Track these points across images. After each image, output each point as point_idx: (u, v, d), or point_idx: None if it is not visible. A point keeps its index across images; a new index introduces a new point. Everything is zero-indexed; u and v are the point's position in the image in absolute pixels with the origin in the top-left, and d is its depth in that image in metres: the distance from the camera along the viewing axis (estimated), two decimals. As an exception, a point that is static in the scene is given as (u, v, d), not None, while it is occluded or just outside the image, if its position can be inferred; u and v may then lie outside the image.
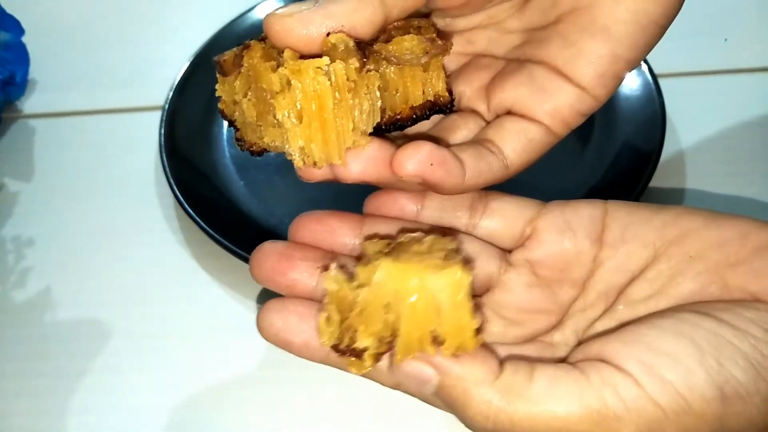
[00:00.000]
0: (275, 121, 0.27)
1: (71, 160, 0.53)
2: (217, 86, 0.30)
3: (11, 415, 0.41)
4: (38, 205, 0.51)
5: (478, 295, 0.31)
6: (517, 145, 0.31)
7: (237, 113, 0.30)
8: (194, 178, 0.49)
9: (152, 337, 0.44)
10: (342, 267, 0.29)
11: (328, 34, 0.27)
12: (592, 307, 0.30)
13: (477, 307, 0.30)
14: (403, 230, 0.31)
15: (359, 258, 0.30)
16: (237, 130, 0.31)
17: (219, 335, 0.44)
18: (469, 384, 0.26)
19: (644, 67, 0.50)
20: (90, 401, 0.42)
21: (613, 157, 0.48)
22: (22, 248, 0.48)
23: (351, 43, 0.27)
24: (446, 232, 0.31)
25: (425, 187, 0.30)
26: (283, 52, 0.27)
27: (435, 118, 0.33)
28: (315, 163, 0.28)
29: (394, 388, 0.28)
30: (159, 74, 0.56)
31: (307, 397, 0.41)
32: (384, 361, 0.27)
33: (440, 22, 0.34)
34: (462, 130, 0.33)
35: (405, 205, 0.32)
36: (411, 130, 0.32)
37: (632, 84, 0.50)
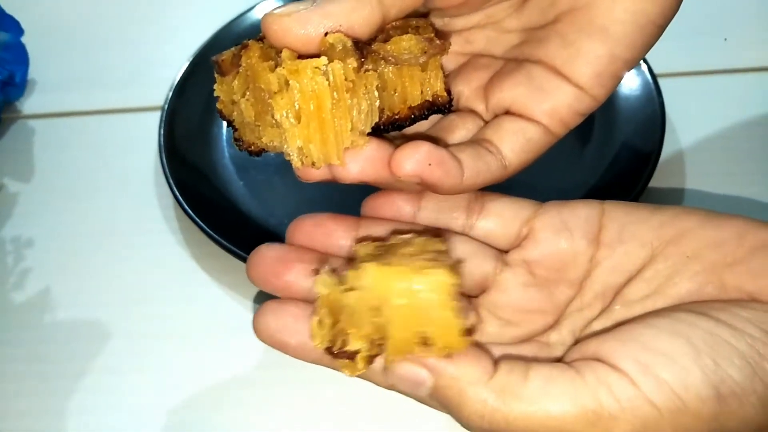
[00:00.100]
0: (273, 121, 0.27)
1: (71, 161, 0.53)
2: (215, 86, 0.30)
3: (11, 416, 0.41)
4: (38, 205, 0.51)
5: (473, 296, 0.31)
6: (515, 144, 0.31)
7: (235, 113, 0.30)
8: (194, 179, 0.49)
9: (152, 337, 0.44)
10: (334, 270, 0.29)
11: (326, 34, 0.27)
12: (589, 307, 0.30)
13: (467, 309, 0.30)
14: (395, 232, 0.31)
15: (351, 260, 0.30)
16: (235, 130, 0.31)
17: (218, 335, 0.44)
18: (464, 384, 0.26)
19: (644, 66, 0.50)
20: (90, 402, 0.42)
21: (612, 157, 0.48)
22: (22, 249, 0.48)
23: (349, 43, 0.27)
24: (438, 233, 0.31)
25: (424, 187, 0.30)
26: (281, 51, 0.27)
27: (433, 118, 0.33)
28: (313, 164, 0.28)
29: (390, 389, 0.28)
30: (158, 74, 0.56)
31: (306, 397, 0.41)
32: (378, 363, 0.27)
33: (438, 22, 0.34)
34: (460, 130, 0.33)
35: (401, 207, 0.32)
36: (409, 130, 0.32)
37: (632, 84, 0.50)
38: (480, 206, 0.32)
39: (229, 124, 0.31)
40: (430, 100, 0.31)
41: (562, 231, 0.31)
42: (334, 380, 0.37)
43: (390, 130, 0.31)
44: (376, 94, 0.28)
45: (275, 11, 0.27)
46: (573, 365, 0.26)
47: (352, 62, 0.27)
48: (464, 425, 0.27)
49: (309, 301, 0.30)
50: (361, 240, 0.31)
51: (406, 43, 0.29)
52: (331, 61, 0.27)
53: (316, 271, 0.29)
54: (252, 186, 0.49)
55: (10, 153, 0.54)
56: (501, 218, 0.32)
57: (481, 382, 0.26)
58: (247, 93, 0.29)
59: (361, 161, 0.29)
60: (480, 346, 0.28)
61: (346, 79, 0.27)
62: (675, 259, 0.29)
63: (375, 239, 0.31)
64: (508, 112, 0.32)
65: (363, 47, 0.28)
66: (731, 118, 0.52)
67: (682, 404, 0.25)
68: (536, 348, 0.30)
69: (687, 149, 0.50)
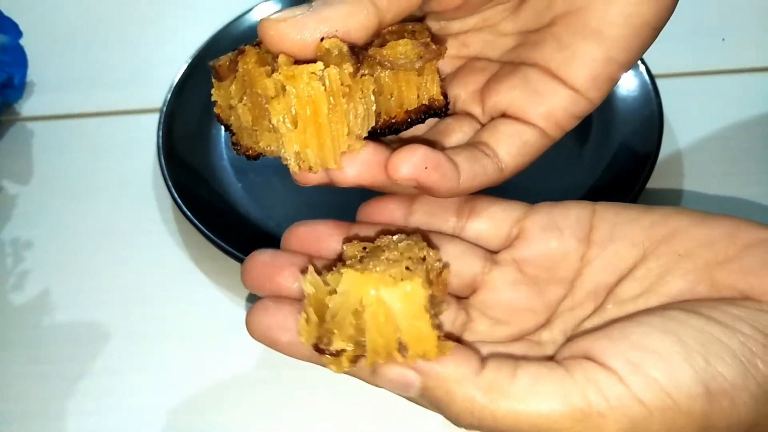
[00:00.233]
0: (270, 126, 0.28)
1: (69, 163, 0.53)
2: (212, 91, 0.30)
3: (11, 418, 0.41)
4: (37, 207, 0.51)
5: (464, 297, 0.32)
6: (511, 147, 0.32)
7: (233, 118, 0.30)
8: (192, 181, 0.49)
9: (151, 338, 0.44)
10: (319, 271, 0.29)
11: (322, 39, 0.27)
12: (580, 306, 0.30)
13: (456, 310, 0.30)
14: (383, 232, 0.32)
15: (338, 260, 0.31)
16: (233, 134, 0.31)
17: (217, 336, 0.44)
18: (451, 383, 0.26)
19: (641, 67, 0.50)
20: (89, 403, 0.42)
21: (610, 158, 0.48)
22: (21, 251, 0.48)
23: (345, 48, 0.27)
24: (424, 234, 0.32)
25: (420, 191, 0.30)
26: (277, 56, 0.27)
27: (430, 121, 0.33)
28: (310, 168, 0.28)
29: (379, 387, 0.29)
30: (157, 76, 0.56)
31: (305, 398, 0.41)
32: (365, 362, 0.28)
33: (434, 26, 0.34)
34: (457, 133, 0.33)
35: (394, 211, 0.33)
36: (406, 133, 0.32)
37: (629, 84, 0.50)
38: (470, 208, 0.33)
39: (227, 128, 0.31)
40: (427, 103, 0.31)
41: (552, 230, 0.31)
42: (333, 380, 0.37)
43: (387, 133, 0.31)
44: (373, 98, 0.28)
45: (272, 16, 0.27)
46: (562, 363, 0.26)
47: (348, 67, 0.27)
48: (455, 423, 0.27)
49: (300, 301, 0.30)
50: (348, 240, 0.31)
51: (403, 48, 0.29)
52: (327, 66, 0.27)
53: (304, 271, 0.29)
54: (250, 188, 0.49)
55: (9, 155, 0.54)
56: (491, 220, 0.32)
57: (469, 380, 0.26)
58: (244, 98, 0.29)
59: (358, 165, 0.29)
60: (467, 345, 0.29)
61: (342, 84, 0.27)
62: (667, 258, 0.29)
63: (362, 239, 0.31)
64: (504, 115, 0.32)
65: (359, 52, 0.28)
66: (729, 119, 0.52)
67: (672, 402, 0.25)
68: (527, 347, 0.30)
69: (685, 150, 0.50)
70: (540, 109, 0.31)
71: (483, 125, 0.33)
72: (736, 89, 0.54)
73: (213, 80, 0.30)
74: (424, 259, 0.29)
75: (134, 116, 0.56)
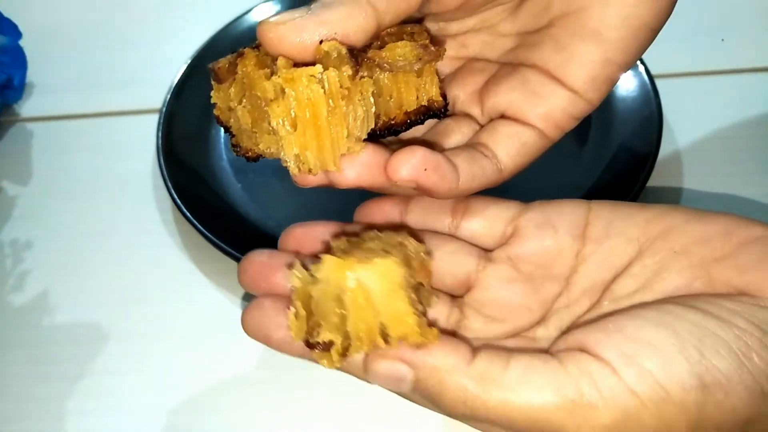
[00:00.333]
0: (270, 129, 0.28)
1: (69, 164, 0.53)
2: (212, 93, 0.30)
3: (10, 418, 0.41)
4: (36, 208, 0.51)
5: (458, 295, 0.32)
6: (510, 148, 0.32)
7: (232, 120, 0.30)
8: (192, 181, 0.49)
9: (150, 339, 0.44)
10: (305, 265, 0.29)
11: (321, 42, 0.27)
12: (576, 303, 0.30)
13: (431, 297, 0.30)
14: (368, 227, 0.32)
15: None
16: (233, 136, 0.31)
17: (217, 337, 0.44)
18: (443, 373, 0.26)
19: (641, 67, 0.50)
20: (89, 403, 0.42)
21: (609, 158, 0.48)
22: (20, 251, 0.49)
23: (344, 51, 0.27)
24: (412, 231, 0.32)
25: (420, 192, 0.30)
26: (277, 59, 0.27)
27: (429, 122, 0.33)
28: (310, 170, 0.28)
29: (373, 383, 0.29)
30: (156, 77, 0.56)
31: (306, 398, 0.41)
32: (358, 357, 0.28)
33: (433, 27, 0.34)
34: (456, 134, 0.33)
35: (389, 212, 0.33)
36: (406, 134, 0.32)
37: (629, 85, 0.50)
38: (464, 208, 0.33)
39: (227, 130, 0.31)
40: (426, 105, 0.31)
41: (547, 227, 0.31)
42: (333, 380, 0.37)
43: (386, 135, 0.31)
44: (372, 100, 0.28)
45: (271, 19, 0.27)
46: (556, 356, 0.26)
47: (347, 70, 0.27)
48: (447, 413, 0.27)
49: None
50: (337, 235, 0.32)
51: (401, 50, 0.29)
52: (326, 69, 0.27)
53: (291, 266, 0.29)
54: (250, 188, 0.49)
55: (8, 156, 0.54)
56: (485, 219, 0.32)
57: (460, 370, 0.26)
58: (244, 100, 0.29)
59: (358, 167, 0.29)
60: (458, 335, 0.29)
61: (341, 87, 0.27)
62: (662, 255, 0.29)
63: (349, 234, 0.31)
64: (503, 116, 0.32)
65: (358, 54, 0.28)
66: (729, 119, 0.52)
67: (665, 394, 0.25)
68: (522, 343, 0.30)
69: (684, 150, 0.50)
70: (539, 110, 0.31)
71: (482, 126, 0.33)
72: (736, 89, 0.54)
73: (212, 82, 0.30)
74: (402, 244, 0.29)
75: (134, 117, 0.56)
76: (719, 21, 0.58)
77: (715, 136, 0.51)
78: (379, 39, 0.30)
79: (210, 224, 0.45)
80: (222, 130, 0.52)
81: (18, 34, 0.56)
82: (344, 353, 0.27)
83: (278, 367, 0.42)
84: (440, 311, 0.31)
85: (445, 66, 0.34)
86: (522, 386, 0.25)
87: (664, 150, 0.47)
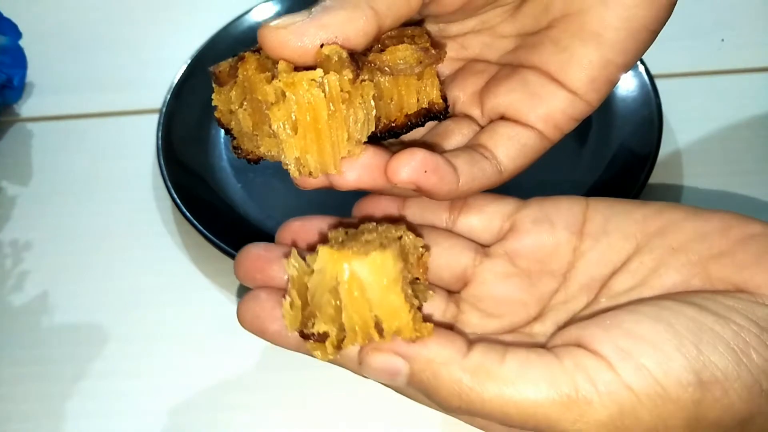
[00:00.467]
0: (271, 132, 0.28)
1: (69, 164, 0.53)
2: (213, 96, 0.30)
3: (9, 419, 0.41)
4: (36, 208, 0.51)
5: (455, 291, 0.32)
6: (510, 150, 0.32)
7: (233, 122, 0.30)
8: (191, 181, 0.49)
9: (150, 339, 0.44)
10: (302, 255, 0.29)
11: (321, 46, 0.27)
12: (574, 299, 0.30)
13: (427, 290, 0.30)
14: (364, 219, 0.32)
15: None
16: (234, 138, 0.31)
17: (217, 337, 0.44)
18: (437, 365, 0.26)
19: (641, 67, 0.50)
20: (89, 403, 0.42)
21: (610, 158, 0.48)
22: (20, 252, 0.49)
23: (344, 54, 0.27)
24: (410, 224, 0.32)
25: (420, 194, 0.30)
26: (277, 62, 0.27)
27: (430, 123, 0.33)
28: (311, 173, 0.28)
29: (367, 377, 0.29)
30: (156, 77, 0.56)
31: (305, 398, 0.41)
32: (352, 350, 0.28)
33: (433, 28, 0.34)
34: (456, 135, 0.33)
35: (387, 207, 0.33)
36: (406, 136, 0.33)
37: (629, 85, 0.50)
38: (462, 203, 0.33)
39: (228, 132, 0.31)
40: (427, 107, 0.31)
41: (544, 223, 0.31)
42: (333, 380, 0.37)
43: (387, 137, 0.31)
44: (373, 103, 0.28)
45: (272, 23, 0.27)
46: (553, 350, 0.26)
47: (348, 73, 0.27)
48: (442, 407, 0.27)
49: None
50: (334, 227, 0.32)
51: (402, 53, 0.29)
52: (326, 72, 0.27)
53: (287, 255, 0.29)
54: (250, 188, 0.49)
55: (8, 156, 0.54)
56: (483, 214, 0.33)
57: (455, 362, 0.26)
58: (245, 103, 0.29)
59: (358, 169, 0.29)
60: (453, 328, 0.29)
61: (342, 90, 0.27)
62: (660, 251, 0.29)
63: (346, 225, 0.32)
64: (503, 118, 0.32)
65: (359, 58, 0.28)
66: (729, 119, 0.52)
67: (662, 390, 0.25)
68: (518, 338, 0.30)
69: (684, 150, 0.50)
70: (538, 111, 0.31)
71: (482, 127, 0.33)
72: (736, 89, 0.54)
73: (213, 85, 0.30)
74: (400, 238, 0.29)
75: (133, 117, 0.56)
76: (719, 21, 0.58)
77: (714, 135, 0.51)
78: (379, 42, 0.30)
79: (210, 224, 0.45)
80: (222, 130, 0.52)
81: (18, 34, 0.56)
82: (339, 345, 0.27)
83: (278, 368, 0.42)
84: (437, 306, 0.31)
85: (445, 67, 0.34)
86: (518, 380, 0.25)
87: (664, 150, 0.47)
